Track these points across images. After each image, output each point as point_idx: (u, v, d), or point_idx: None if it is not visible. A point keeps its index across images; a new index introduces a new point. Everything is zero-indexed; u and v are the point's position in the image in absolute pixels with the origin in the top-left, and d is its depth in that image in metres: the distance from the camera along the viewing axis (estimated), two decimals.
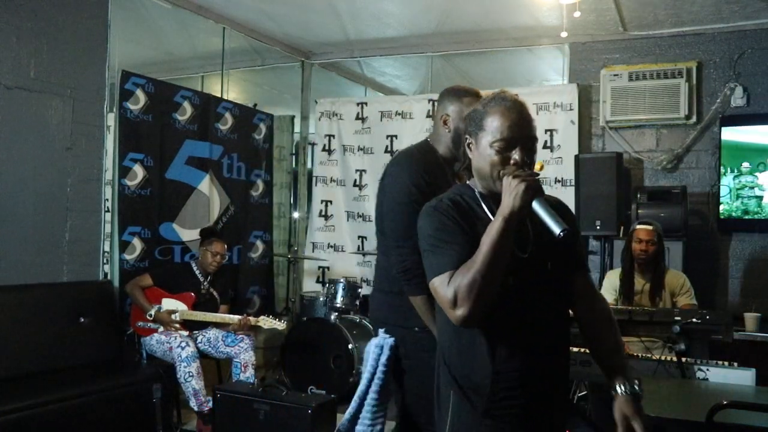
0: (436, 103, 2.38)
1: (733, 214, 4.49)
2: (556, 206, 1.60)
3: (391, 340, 2.21)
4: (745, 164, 4.45)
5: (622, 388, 1.56)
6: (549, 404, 1.61)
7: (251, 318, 4.05)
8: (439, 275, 1.53)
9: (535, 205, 1.49)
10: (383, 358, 2.21)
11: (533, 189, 1.47)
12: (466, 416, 1.59)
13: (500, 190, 1.52)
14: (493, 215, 1.54)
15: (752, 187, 4.44)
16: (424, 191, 2.08)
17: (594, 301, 1.71)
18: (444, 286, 1.51)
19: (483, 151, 1.59)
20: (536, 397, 1.58)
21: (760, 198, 4.43)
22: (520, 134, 1.56)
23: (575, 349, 2.49)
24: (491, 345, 1.55)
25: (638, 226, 3.63)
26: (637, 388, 1.57)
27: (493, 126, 1.56)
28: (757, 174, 4.43)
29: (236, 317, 4.03)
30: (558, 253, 1.61)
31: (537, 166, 1.72)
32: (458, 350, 1.62)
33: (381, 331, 2.26)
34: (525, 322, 1.57)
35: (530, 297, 1.57)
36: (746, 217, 4.45)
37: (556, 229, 1.46)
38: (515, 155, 1.55)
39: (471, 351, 1.58)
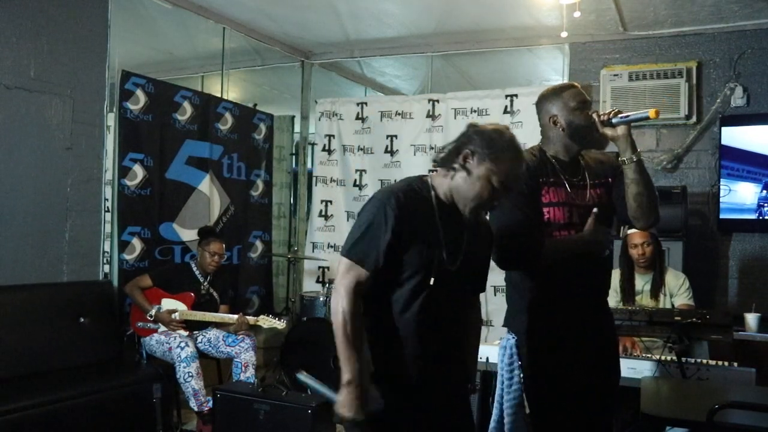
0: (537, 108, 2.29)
1: None
2: (483, 228, 1.96)
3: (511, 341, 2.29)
4: None
5: None
6: (448, 386, 1.91)
7: (250, 318, 4.05)
8: (351, 258, 1.77)
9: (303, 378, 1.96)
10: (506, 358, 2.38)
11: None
12: (392, 397, 1.82)
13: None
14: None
15: None
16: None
17: (475, 314, 2.08)
18: (345, 273, 1.76)
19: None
20: (438, 382, 1.87)
21: None
22: None
23: None
24: (415, 335, 1.81)
25: (629, 231, 3.62)
26: None
27: None
28: None
29: (234, 316, 4.03)
30: (476, 272, 1.96)
31: (652, 113, 2.02)
32: (384, 339, 1.84)
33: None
34: (441, 318, 1.85)
35: (447, 300, 1.85)
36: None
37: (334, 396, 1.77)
38: None
39: (396, 340, 1.82)
